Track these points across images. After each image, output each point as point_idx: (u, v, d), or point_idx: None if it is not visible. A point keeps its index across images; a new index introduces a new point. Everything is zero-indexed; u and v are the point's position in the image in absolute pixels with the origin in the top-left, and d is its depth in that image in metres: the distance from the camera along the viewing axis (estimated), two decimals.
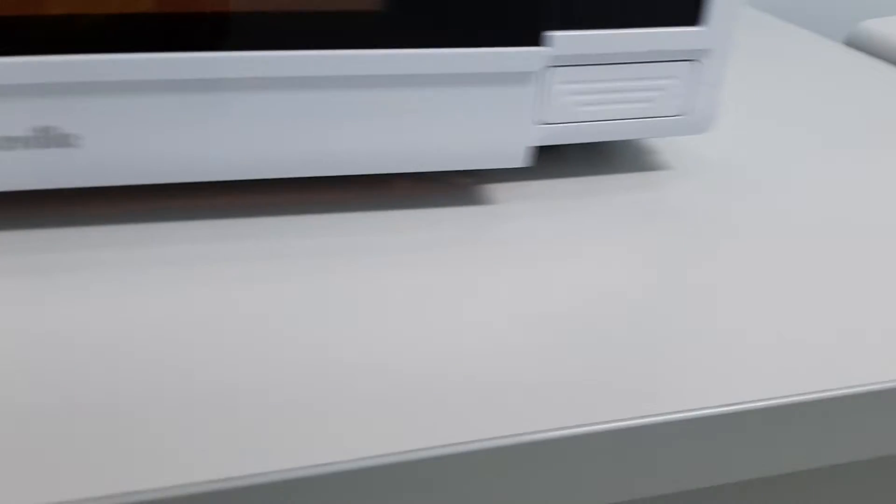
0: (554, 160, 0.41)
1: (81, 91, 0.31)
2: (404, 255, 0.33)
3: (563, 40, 0.35)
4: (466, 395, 0.26)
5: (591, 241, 0.35)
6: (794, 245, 0.36)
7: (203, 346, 0.28)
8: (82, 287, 0.30)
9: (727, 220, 0.37)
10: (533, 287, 0.32)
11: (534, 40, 0.34)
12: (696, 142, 0.44)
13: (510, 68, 0.34)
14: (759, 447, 0.28)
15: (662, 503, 0.31)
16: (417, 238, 0.35)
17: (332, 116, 0.34)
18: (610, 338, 0.29)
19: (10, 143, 0.31)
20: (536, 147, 0.38)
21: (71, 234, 0.33)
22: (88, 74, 0.31)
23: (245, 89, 0.32)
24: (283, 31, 0.32)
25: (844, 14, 0.81)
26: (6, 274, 0.31)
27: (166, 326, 0.28)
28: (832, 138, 0.46)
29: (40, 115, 0.31)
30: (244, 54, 0.32)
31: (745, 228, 0.37)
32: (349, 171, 0.35)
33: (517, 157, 0.36)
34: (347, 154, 0.35)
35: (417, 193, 0.38)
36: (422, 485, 0.25)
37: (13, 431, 0.24)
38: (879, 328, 0.31)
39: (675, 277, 0.33)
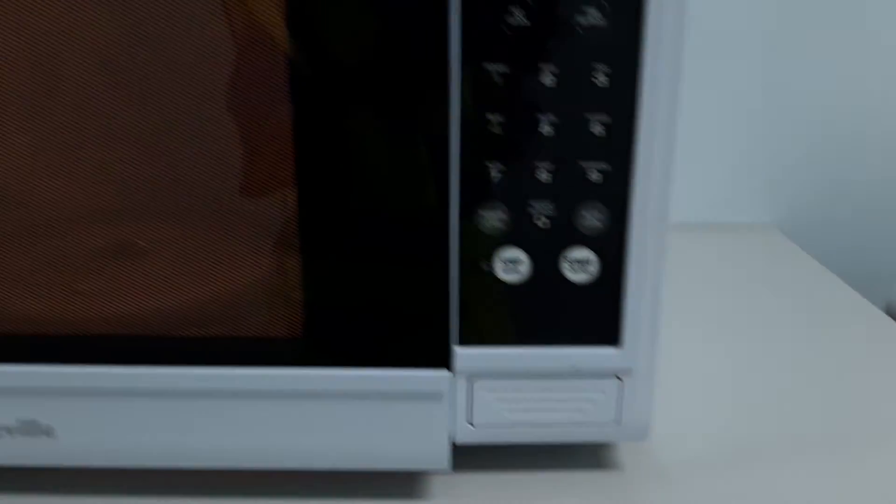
0: (501, 451, 0.43)
1: (57, 393, 0.38)
2: None
3: (478, 357, 0.38)
4: None
5: None
6: None
7: None
8: None
9: None
10: None
11: (443, 359, 0.37)
12: (666, 438, 0.45)
13: (422, 387, 0.37)
14: None
15: None
16: None
17: (276, 421, 0.38)
18: None
19: None
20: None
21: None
22: (64, 382, 0.37)
23: (195, 398, 0.38)
24: (225, 352, 0.37)
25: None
26: None
27: None
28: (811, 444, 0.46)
29: (23, 411, 0.38)
30: (195, 370, 0.37)
31: None
32: (291, 466, 0.39)
33: (440, 460, 0.39)
34: (291, 451, 0.39)
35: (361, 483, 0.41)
36: None
37: None
38: None
39: None
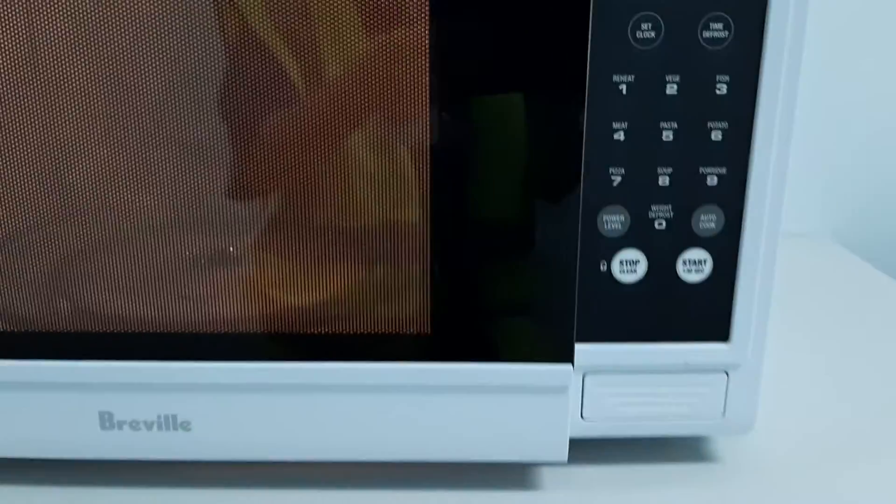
0: (611, 445, 0.45)
1: (196, 389, 0.40)
2: None
3: (593, 354, 0.40)
4: None
5: None
6: None
7: None
8: None
9: None
10: None
11: (568, 354, 0.39)
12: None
13: (547, 382, 0.39)
14: None
15: None
16: None
17: (403, 414, 0.40)
18: None
19: (129, 425, 0.40)
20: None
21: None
22: (203, 378, 0.39)
23: (326, 392, 0.40)
24: (357, 348, 0.39)
25: None
26: None
27: None
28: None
29: (163, 406, 0.40)
30: (328, 365, 0.39)
31: None
32: (419, 458, 0.41)
33: (560, 452, 0.41)
34: (418, 444, 0.41)
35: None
36: None
37: None
38: None
39: None
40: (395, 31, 0.36)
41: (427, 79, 0.36)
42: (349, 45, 0.36)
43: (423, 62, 0.36)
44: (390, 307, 0.39)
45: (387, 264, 0.39)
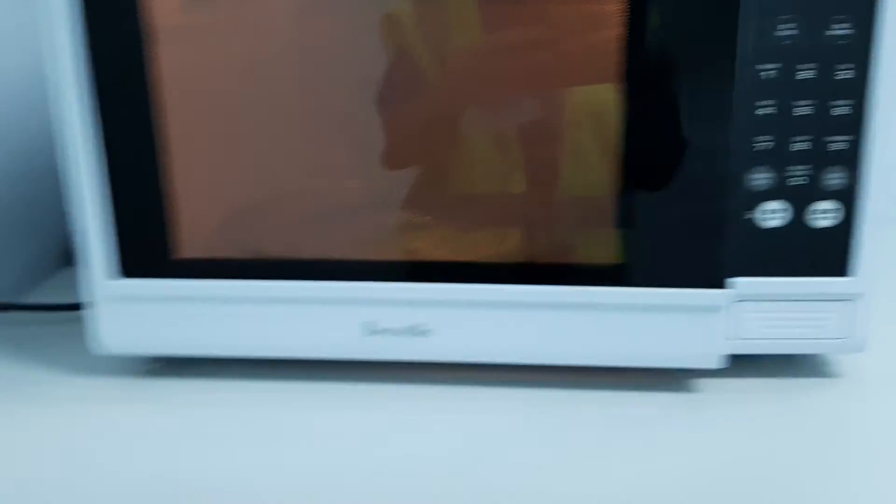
0: (751, 363, 0.56)
1: (441, 305, 0.53)
2: (623, 427, 0.50)
3: (743, 285, 0.51)
4: None
5: (768, 434, 0.50)
6: None
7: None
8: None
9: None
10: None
11: (721, 282, 0.51)
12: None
13: (703, 303, 0.51)
14: None
15: None
16: (642, 413, 0.51)
17: (594, 327, 0.52)
18: None
19: (387, 332, 0.53)
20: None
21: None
22: (449, 296, 0.52)
23: (533, 308, 0.52)
24: (565, 275, 0.52)
25: None
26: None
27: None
28: None
29: (413, 317, 0.53)
30: (538, 287, 0.52)
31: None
32: (603, 363, 0.53)
33: (714, 361, 0.52)
34: (603, 351, 0.53)
35: (647, 380, 0.55)
36: None
37: None
38: None
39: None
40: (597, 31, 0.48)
41: (620, 69, 0.48)
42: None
43: (616, 57, 0.48)
44: (589, 245, 0.52)
45: (586, 218, 0.51)
